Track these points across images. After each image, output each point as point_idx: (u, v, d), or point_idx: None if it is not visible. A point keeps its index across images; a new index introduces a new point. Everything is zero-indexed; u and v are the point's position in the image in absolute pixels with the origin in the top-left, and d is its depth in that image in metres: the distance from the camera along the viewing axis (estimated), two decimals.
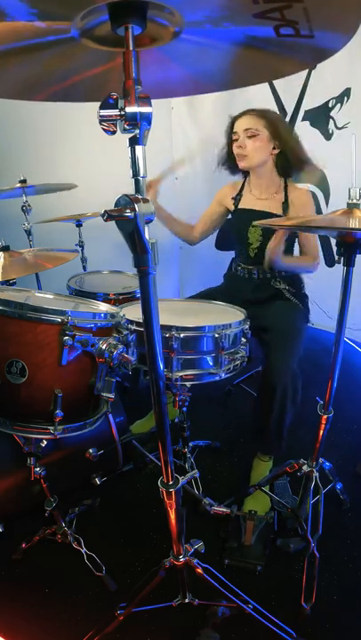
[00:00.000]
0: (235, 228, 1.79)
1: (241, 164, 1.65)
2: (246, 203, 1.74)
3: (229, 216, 1.83)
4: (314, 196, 2.67)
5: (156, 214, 1.80)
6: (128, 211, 0.59)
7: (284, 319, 1.58)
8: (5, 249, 1.50)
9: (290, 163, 1.63)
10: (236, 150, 1.64)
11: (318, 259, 1.66)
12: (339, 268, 1.04)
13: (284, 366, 1.41)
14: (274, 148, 1.61)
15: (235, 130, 1.63)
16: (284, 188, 1.66)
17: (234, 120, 1.64)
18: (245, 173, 1.76)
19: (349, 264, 1.01)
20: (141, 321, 0.71)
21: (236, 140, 1.62)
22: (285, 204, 1.64)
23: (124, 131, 0.58)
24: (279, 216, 1.63)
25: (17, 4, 0.50)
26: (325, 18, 0.55)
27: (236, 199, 1.77)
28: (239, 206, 1.76)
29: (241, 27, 0.58)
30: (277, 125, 1.59)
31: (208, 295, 1.78)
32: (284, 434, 1.50)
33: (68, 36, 0.58)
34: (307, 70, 2.45)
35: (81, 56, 0.65)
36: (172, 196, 3.12)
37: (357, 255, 1.00)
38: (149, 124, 0.58)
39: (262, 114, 1.59)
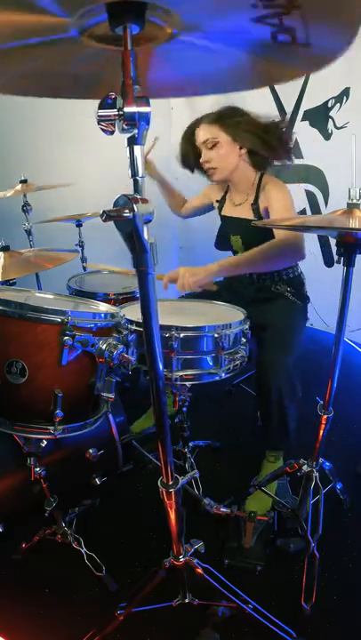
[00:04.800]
0: (222, 236, 1.79)
1: (214, 179, 1.60)
2: (227, 210, 1.73)
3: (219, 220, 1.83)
4: (312, 195, 2.68)
5: (157, 179, 1.84)
6: (127, 211, 0.59)
7: (282, 317, 1.57)
8: (5, 249, 1.51)
9: (262, 155, 1.51)
10: (204, 166, 1.58)
11: (286, 236, 1.42)
12: (337, 271, 1.04)
13: (278, 365, 1.40)
14: (241, 148, 1.52)
15: (197, 144, 1.57)
16: (256, 189, 1.57)
17: (192, 128, 1.57)
18: None
19: (349, 264, 1.00)
20: (141, 321, 0.71)
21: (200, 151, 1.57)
22: (255, 206, 1.57)
23: (123, 130, 0.58)
24: (252, 220, 1.56)
25: None
26: (323, 25, 0.55)
27: (221, 203, 1.76)
28: (222, 213, 1.76)
29: (239, 31, 0.58)
30: (234, 124, 1.48)
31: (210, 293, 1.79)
32: (289, 430, 1.49)
33: (67, 36, 0.58)
34: None
35: (81, 54, 0.65)
36: None
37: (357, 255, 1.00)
38: (148, 123, 0.58)
39: (214, 118, 1.50)
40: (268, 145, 1.48)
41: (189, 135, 1.61)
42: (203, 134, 1.53)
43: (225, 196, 1.75)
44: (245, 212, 1.63)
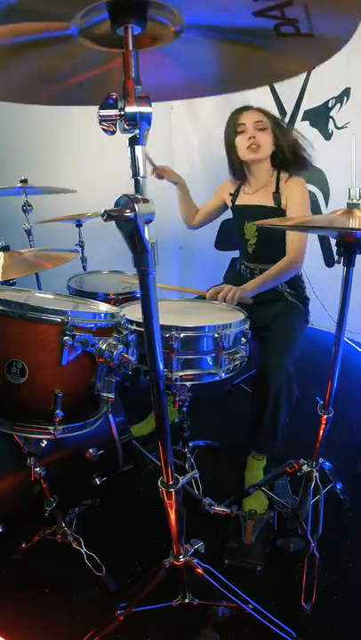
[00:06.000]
0: (234, 226, 1.82)
1: (254, 155, 1.64)
2: (242, 199, 1.78)
3: (230, 214, 1.85)
4: (313, 195, 2.68)
5: (179, 184, 1.89)
6: (128, 211, 0.59)
7: (282, 319, 1.59)
8: (5, 249, 1.50)
9: (288, 158, 1.64)
10: (248, 142, 1.62)
11: (297, 257, 1.61)
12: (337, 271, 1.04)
13: (279, 366, 1.42)
14: (273, 145, 1.64)
15: (242, 122, 1.62)
16: (276, 179, 1.67)
17: (238, 114, 1.65)
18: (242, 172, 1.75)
19: (349, 264, 1.01)
20: (141, 321, 0.71)
21: (243, 132, 1.63)
22: (277, 194, 1.65)
23: (124, 131, 0.58)
24: (272, 208, 1.65)
25: (12, 2, 0.50)
26: (326, 13, 0.54)
27: (234, 195, 1.80)
28: (236, 203, 1.79)
29: (241, 26, 0.58)
30: (278, 122, 1.65)
31: None
32: (278, 433, 1.51)
33: (66, 33, 0.57)
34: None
35: (79, 57, 0.65)
36: (173, 195, 3.13)
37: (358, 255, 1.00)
38: (149, 124, 0.58)
39: (264, 110, 1.64)
40: (295, 151, 1.65)
41: (232, 122, 1.67)
42: (255, 116, 1.62)
43: (239, 189, 1.79)
44: (265, 200, 1.67)
